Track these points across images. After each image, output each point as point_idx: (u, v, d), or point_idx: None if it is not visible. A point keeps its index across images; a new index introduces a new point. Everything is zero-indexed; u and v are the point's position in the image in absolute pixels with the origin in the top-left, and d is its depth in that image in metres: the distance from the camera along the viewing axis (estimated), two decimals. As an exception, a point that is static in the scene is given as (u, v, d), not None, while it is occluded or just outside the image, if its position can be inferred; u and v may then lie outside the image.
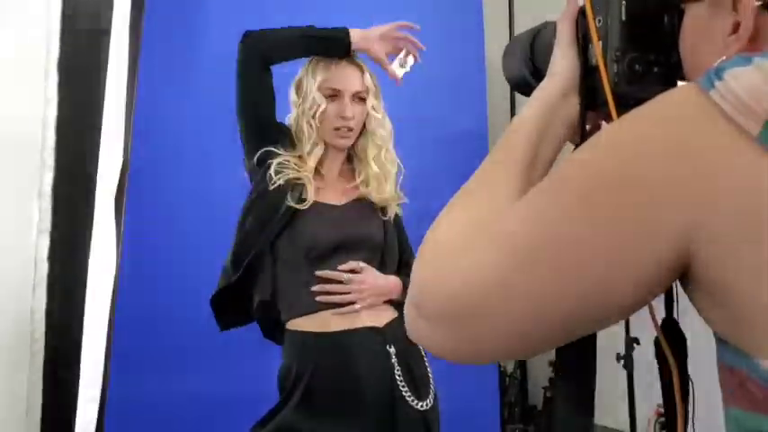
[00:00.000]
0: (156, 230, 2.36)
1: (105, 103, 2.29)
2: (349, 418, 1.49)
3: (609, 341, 3.25)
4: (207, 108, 2.40)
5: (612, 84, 0.61)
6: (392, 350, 1.55)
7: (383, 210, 1.70)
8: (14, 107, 2.09)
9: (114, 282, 2.28)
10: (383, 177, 1.68)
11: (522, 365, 3.33)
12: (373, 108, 1.67)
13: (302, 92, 1.66)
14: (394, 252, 1.69)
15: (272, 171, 1.60)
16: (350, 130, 1.64)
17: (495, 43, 3.36)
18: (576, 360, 0.64)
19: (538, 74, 0.72)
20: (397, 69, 1.70)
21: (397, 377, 1.53)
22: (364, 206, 1.68)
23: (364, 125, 1.69)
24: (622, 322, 3.15)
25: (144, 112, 2.37)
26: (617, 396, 3.21)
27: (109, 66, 2.29)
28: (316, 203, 1.62)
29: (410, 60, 1.72)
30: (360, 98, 1.66)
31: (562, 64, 0.67)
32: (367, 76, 1.68)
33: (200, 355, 2.28)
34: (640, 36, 0.61)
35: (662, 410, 3.49)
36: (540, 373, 3.57)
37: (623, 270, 0.47)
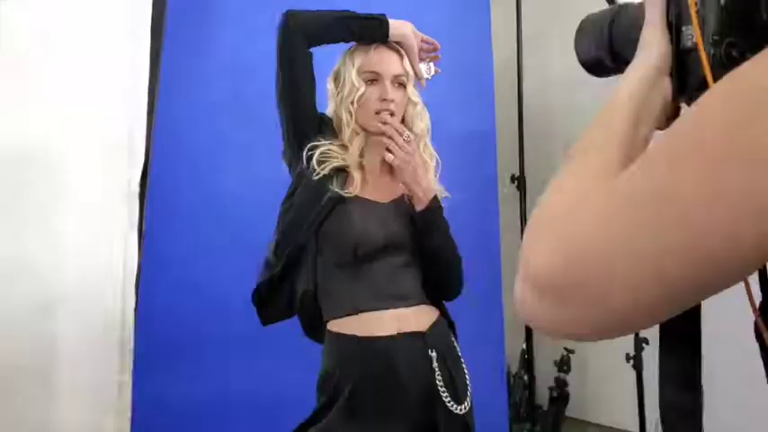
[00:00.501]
0: (173, 230, 2.35)
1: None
2: (391, 424, 1.48)
3: (618, 341, 3.25)
4: (222, 106, 2.40)
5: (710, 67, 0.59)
6: (433, 354, 1.52)
7: None
8: (104, 107, 2.05)
9: (136, 282, 2.27)
10: (423, 170, 1.61)
11: (528, 365, 3.33)
12: (413, 94, 1.63)
13: (340, 80, 1.62)
14: None
15: (314, 162, 1.56)
16: (392, 114, 1.58)
17: (503, 43, 3.37)
18: (681, 335, 0.62)
19: (616, 57, 0.72)
20: (424, 72, 1.68)
21: (438, 382, 1.50)
22: (407, 205, 1.61)
23: (403, 118, 1.64)
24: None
25: (161, 111, 2.36)
26: (626, 396, 3.21)
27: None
28: (359, 198, 1.57)
29: (432, 70, 1.70)
30: (399, 83, 1.61)
31: (653, 46, 0.65)
32: (406, 61, 1.63)
33: (221, 355, 2.27)
34: (738, 22, 0.60)
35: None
36: (546, 372, 3.57)
37: (731, 240, 0.45)
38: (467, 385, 1.58)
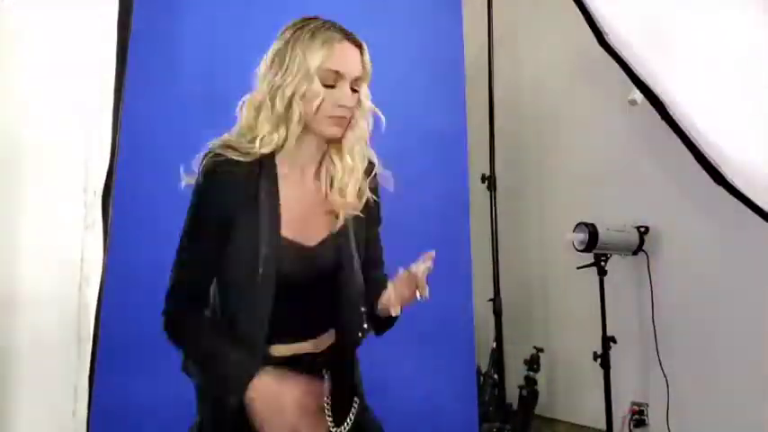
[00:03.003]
0: (137, 230, 2.31)
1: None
2: None
3: (586, 340, 3.30)
4: (192, 105, 2.36)
5: None
6: (326, 375, 1.44)
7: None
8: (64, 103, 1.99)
9: (101, 283, 2.22)
10: (351, 172, 1.46)
11: (498, 364, 3.34)
12: (365, 96, 1.44)
13: (285, 67, 1.38)
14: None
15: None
16: (345, 118, 1.41)
17: (475, 43, 3.38)
18: None
19: None
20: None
21: (326, 405, 1.42)
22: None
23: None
24: (599, 320, 3.19)
25: (128, 112, 2.32)
26: (594, 394, 3.25)
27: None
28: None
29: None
30: (355, 85, 1.42)
31: None
32: (366, 56, 1.43)
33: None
34: None
35: (636, 408, 3.53)
36: (516, 371, 3.59)
37: None
38: (351, 406, 1.47)
